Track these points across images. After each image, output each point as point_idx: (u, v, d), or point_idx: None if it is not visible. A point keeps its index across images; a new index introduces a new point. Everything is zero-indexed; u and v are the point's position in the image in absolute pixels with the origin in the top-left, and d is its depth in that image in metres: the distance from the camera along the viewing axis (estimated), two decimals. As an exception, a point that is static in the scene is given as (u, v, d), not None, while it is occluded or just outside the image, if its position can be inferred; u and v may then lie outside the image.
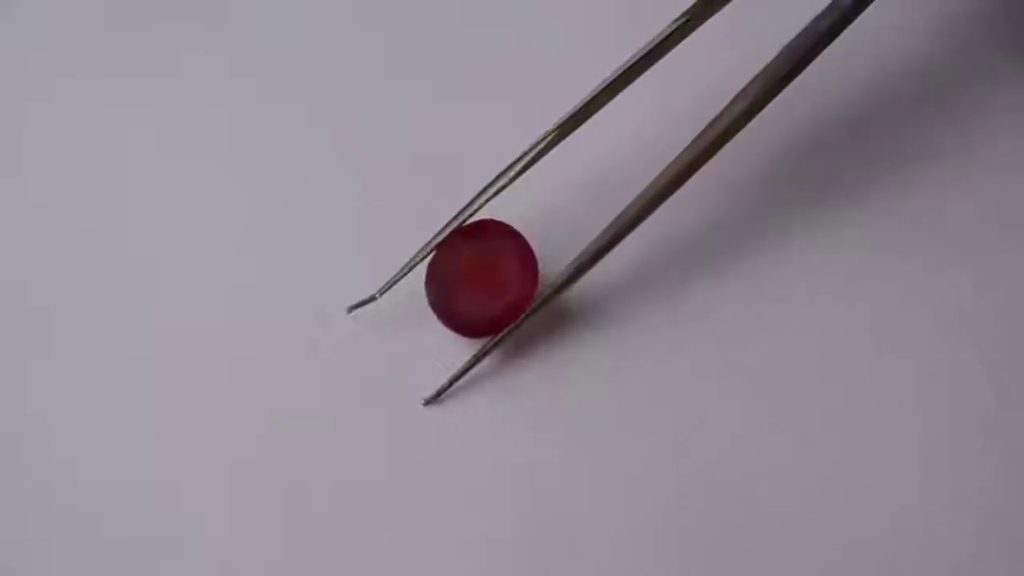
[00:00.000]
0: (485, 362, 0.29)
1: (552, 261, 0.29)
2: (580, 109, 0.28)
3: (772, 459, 0.28)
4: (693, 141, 0.28)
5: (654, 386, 0.29)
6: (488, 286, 0.28)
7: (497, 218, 0.29)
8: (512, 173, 0.28)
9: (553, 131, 0.28)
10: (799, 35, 0.28)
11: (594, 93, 0.28)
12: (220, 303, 0.30)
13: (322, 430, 0.28)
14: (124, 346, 0.30)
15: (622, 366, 0.29)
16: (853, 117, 0.32)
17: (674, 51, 0.28)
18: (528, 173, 0.28)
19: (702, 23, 0.28)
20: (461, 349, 0.28)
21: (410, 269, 0.28)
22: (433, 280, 0.28)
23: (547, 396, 0.29)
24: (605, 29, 0.30)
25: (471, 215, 0.28)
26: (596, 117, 0.28)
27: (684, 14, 0.28)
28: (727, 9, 0.28)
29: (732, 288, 0.30)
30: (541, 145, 0.28)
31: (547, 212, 0.30)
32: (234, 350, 0.29)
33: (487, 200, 0.28)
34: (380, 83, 0.32)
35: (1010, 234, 0.30)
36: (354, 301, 0.29)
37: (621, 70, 0.28)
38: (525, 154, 0.28)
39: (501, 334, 0.28)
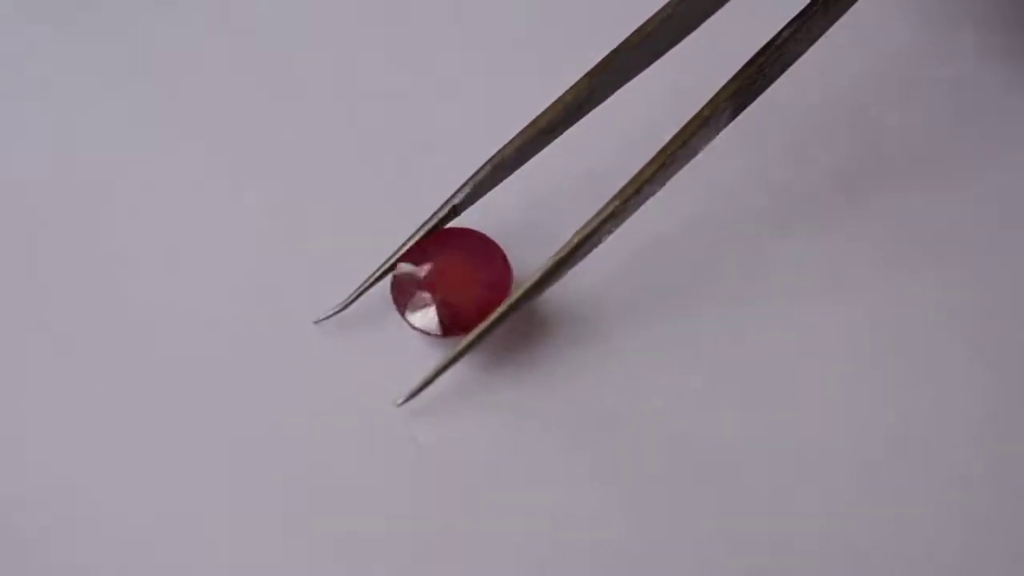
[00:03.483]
0: (462, 374, 0.28)
1: (528, 270, 0.28)
2: (547, 111, 0.28)
3: (767, 462, 0.28)
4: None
5: (638, 393, 0.29)
6: (456, 285, 0.28)
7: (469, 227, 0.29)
8: (482, 175, 0.28)
9: (516, 138, 0.28)
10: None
11: (559, 98, 0.28)
12: (187, 306, 0.30)
13: (293, 435, 0.28)
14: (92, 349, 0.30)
15: (605, 373, 0.29)
16: (848, 119, 0.32)
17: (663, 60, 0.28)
18: (507, 186, 0.28)
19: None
20: (434, 355, 0.28)
21: (377, 279, 0.28)
22: (397, 281, 0.28)
23: (526, 404, 0.29)
24: (605, 36, 0.30)
25: (437, 224, 0.28)
26: (579, 125, 0.28)
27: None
28: (712, 19, 0.28)
29: (720, 290, 0.30)
30: (505, 152, 0.28)
31: (522, 222, 0.30)
32: (202, 354, 0.29)
33: (455, 203, 0.28)
34: (359, 86, 0.33)
35: (1010, 235, 0.30)
36: (319, 309, 0.29)
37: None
38: (488, 161, 0.28)
39: (475, 332, 0.27)
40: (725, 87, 0.27)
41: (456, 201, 0.28)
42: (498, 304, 0.28)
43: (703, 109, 0.27)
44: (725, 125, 0.28)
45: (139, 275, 0.30)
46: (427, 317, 0.28)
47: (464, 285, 0.28)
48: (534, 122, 0.28)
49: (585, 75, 0.28)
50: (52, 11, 0.34)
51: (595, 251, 0.28)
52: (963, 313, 0.29)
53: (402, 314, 0.28)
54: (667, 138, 0.28)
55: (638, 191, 0.27)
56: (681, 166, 0.28)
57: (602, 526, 0.27)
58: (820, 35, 0.28)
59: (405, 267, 0.28)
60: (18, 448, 0.29)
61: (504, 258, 0.29)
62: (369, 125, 0.32)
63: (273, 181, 0.31)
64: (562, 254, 0.27)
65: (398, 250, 0.28)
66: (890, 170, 0.31)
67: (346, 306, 0.29)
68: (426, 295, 0.28)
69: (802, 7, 0.28)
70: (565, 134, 0.29)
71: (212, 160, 0.32)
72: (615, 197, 0.27)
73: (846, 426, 0.28)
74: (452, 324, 0.28)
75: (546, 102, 0.28)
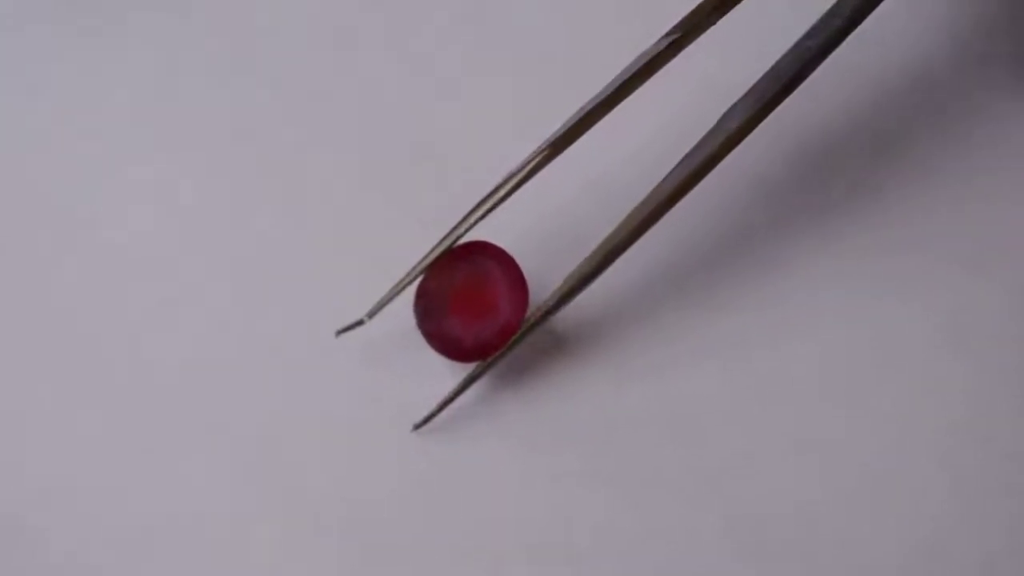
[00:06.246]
0: (477, 389, 0.28)
1: (544, 284, 0.29)
2: (571, 127, 0.27)
3: (776, 477, 0.28)
4: (681, 162, 0.28)
5: (650, 411, 0.29)
6: (477, 309, 0.28)
7: (488, 240, 0.28)
8: (502, 193, 0.27)
9: (544, 149, 0.27)
10: (787, 54, 0.28)
11: (586, 110, 0.27)
12: (205, 324, 0.30)
13: (310, 455, 0.28)
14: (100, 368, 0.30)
15: (618, 390, 0.29)
16: (853, 125, 0.32)
17: (670, 66, 0.28)
18: (522, 194, 0.28)
19: (695, 38, 0.27)
20: (450, 373, 0.28)
21: (399, 292, 0.28)
22: (421, 302, 0.28)
23: (540, 423, 0.29)
24: (604, 37, 0.30)
25: (460, 236, 0.28)
26: (591, 134, 0.28)
27: (676, 28, 0.27)
28: (721, 24, 0.28)
29: (730, 306, 0.30)
30: (531, 164, 0.27)
31: (540, 234, 0.30)
32: (220, 372, 0.29)
33: (476, 220, 0.27)
34: (368, 94, 0.32)
35: (1012, 238, 0.30)
36: (327, 318, 0.28)
37: (613, 86, 0.27)
38: (514, 174, 0.27)
39: (491, 358, 0.27)
40: (741, 100, 0.27)
41: (477, 215, 0.28)
42: (514, 324, 0.27)
43: (721, 149, 0.27)
44: (741, 139, 0.28)
45: (154, 282, 0.30)
46: (449, 345, 0.28)
47: (485, 313, 0.28)
48: (551, 139, 0.28)
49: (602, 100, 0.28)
50: (54, 12, 0.33)
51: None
52: (970, 319, 0.29)
53: (426, 338, 0.28)
54: (682, 148, 0.27)
55: (655, 213, 0.27)
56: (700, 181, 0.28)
57: (613, 536, 0.28)
58: (836, 45, 0.28)
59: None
60: (31, 449, 0.28)
61: (522, 278, 0.28)
62: (372, 130, 0.32)
63: (275, 191, 0.31)
64: (575, 279, 0.27)
65: (417, 264, 0.28)
66: (902, 178, 0.31)
67: (368, 318, 0.28)
68: (447, 322, 0.28)
69: (817, 18, 0.28)
70: (581, 145, 0.28)
71: (213, 169, 0.31)
72: (627, 219, 0.27)
73: (853, 429, 0.28)
74: (473, 351, 0.28)
75: (547, 104, 0.28)
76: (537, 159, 0.27)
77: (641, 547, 0.28)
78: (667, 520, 0.28)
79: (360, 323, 0.28)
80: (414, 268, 0.28)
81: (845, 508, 0.28)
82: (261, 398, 0.29)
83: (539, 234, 0.30)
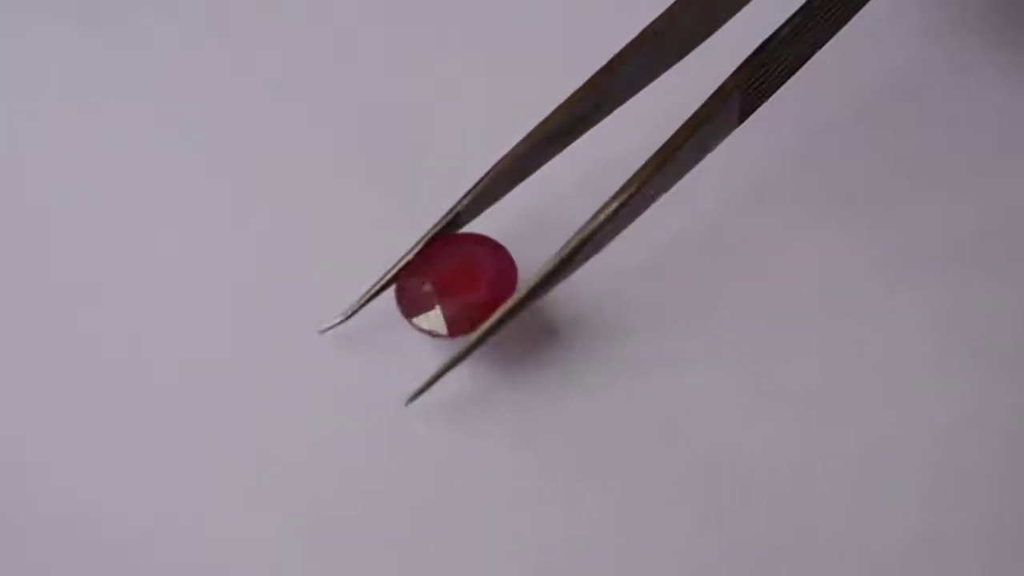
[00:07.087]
0: (473, 385, 0.28)
1: (535, 271, 0.28)
2: (550, 115, 0.28)
3: (774, 473, 0.28)
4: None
5: (644, 404, 0.28)
6: (460, 286, 0.28)
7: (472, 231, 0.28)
8: (483, 184, 0.28)
9: (521, 142, 0.28)
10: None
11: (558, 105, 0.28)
12: (205, 323, 0.30)
13: (310, 453, 0.28)
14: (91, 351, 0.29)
15: (609, 375, 0.29)
16: (852, 121, 0.32)
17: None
18: (519, 192, 0.28)
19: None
20: (438, 356, 0.28)
21: (382, 288, 0.28)
22: (401, 285, 0.28)
23: (534, 416, 0.28)
24: (605, 37, 0.30)
25: (443, 229, 0.28)
26: (593, 131, 0.28)
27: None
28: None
29: (727, 301, 0.29)
30: (509, 157, 0.28)
31: (528, 223, 0.30)
32: (221, 372, 0.29)
33: (455, 213, 0.28)
34: (362, 91, 0.32)
35: (1017, 232, 0.30)
36: (326, 316, 0.28)
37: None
38: (492, 169, 0.28)
39: (480, 330, 0.27)
40: (725, 83, 0.27)
41: (459, 209, 0.28)
42: (503, 299, 0.27)
43: (702, 108, 0.27)
44: (732, 128, 0.27)
45: (154, 282, 0.30)
46: (434, 318, 0.27)
47: (469, 285, 0.28)
48: (537, 129, 0.28)
49: (587, 81, 0.28)
50: (54, 12, 0.34)
51: (602, 255, 0.27)
52: (974, 314, 0.29)
53: (408, 318, 0.28)
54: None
55: (639, 190, 0.27)
56: (689, 166, 0.27)
57: (605, 529, 0.27)
58: (826, 40, 0.28)
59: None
60: (27, 451, 0.28)
61: (509, 258, 0.28)
62: (372, 129, 0.32)
63: (275, 190, 0.31)
64: (565, 253, 0.27)
65: (402, 258, 0.28)
66: (903, 174, 0.31)
67: (351, 315, 0.28)
68: (431, 297, 0.27)
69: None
70: (581, 142, 0.28)
71: (213, 167, 0.31)
72: (616, 195, 0.27)
73: (852, 425, 0.28)
74: (459, 323, 0.27)
75: (547, 104, 0.28)
76: (514, 151, 0.28)
77: (633, 541, 0.27)
78: (659, 516, 0.27)
79: (344, 320, 0.28)
80: (397, 262, 0.28)
81: (844, 505, 0.27)
82: (261, 397, 0.29)
83: (532, 225, 0.30)
